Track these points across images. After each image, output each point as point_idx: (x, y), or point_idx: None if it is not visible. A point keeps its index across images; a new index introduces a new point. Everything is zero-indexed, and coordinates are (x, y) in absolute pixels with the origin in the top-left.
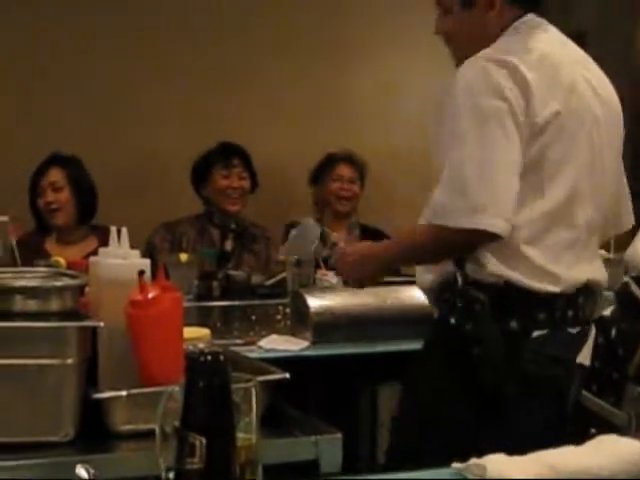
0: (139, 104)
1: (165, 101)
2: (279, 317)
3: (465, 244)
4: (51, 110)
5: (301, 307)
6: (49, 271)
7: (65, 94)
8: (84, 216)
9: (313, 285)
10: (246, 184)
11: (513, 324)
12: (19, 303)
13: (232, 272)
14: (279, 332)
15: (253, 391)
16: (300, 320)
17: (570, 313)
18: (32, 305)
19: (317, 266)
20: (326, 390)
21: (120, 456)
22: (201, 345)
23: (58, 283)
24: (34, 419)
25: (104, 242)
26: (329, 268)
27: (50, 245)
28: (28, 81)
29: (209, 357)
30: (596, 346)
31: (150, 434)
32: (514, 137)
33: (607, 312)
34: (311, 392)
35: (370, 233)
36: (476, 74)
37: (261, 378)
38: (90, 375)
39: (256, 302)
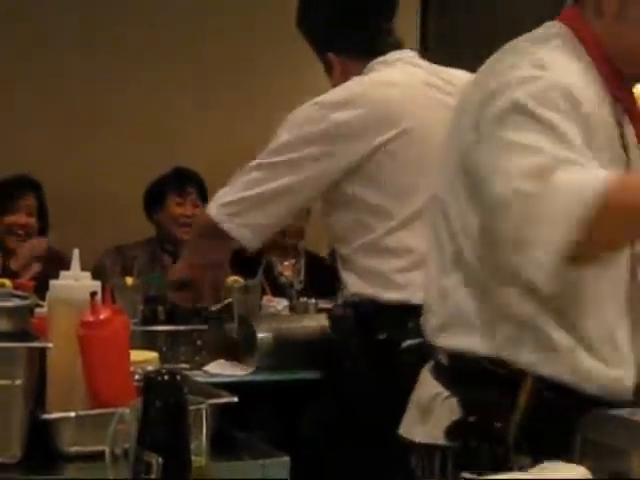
0: (92, 126)
1: (117, 124)
2: (226, 342)
3: None
4: (5, 130)
5: (247, 332)
6: None
7: (20, 115)
8: None
9: (259, 311)
10: (198, 212)
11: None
12: None
13: None
14: (226, 357)
15: (204, 413)
16: (246, 345)
17: None
18: None
19: (263, 292)
20: (270, 415)
21: (68, 478)
22: (150, 368)
23: (8, 304)
24: None
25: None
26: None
27: None
28: None
29: (166, 377)
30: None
31: (98, 456)
32: None
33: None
34: (255, 417)
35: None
36: None
37: (211, 401)
38: (38, 396)
39: (202, 327)
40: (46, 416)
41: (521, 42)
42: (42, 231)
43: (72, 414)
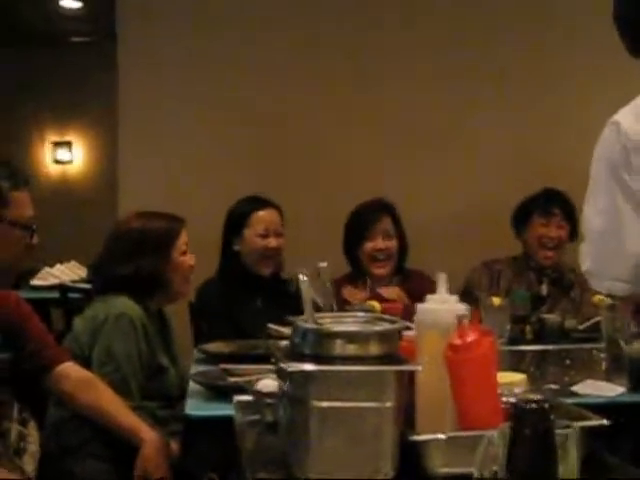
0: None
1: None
2: (594, 362)
3: None
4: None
5: (617, 352)
6: (368, 316)
7: (378, 143)
8: (400, 264)
9: (628, 330)
10: (563, 234)
11: None
12: (339, 347)
13: (545, 316)
14: (594, 377)
15: (572, 437)
16: (616, 365)
17: None
18: (351, 349)
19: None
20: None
21: None
22: (517, 390)
23: (377, 328)
24: (354, 460)
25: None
26: None
27: (348, 292)
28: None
29: (534, 405)
30: None
31: (467, 477)
32: None
33: None
34: (628, 440)
35: None
36: None
37: (579, 424)
38: (408, 418)
39: (570, 346)
40: (416, 437)
41: None
42: (402, 252)
43: (441, 436)
